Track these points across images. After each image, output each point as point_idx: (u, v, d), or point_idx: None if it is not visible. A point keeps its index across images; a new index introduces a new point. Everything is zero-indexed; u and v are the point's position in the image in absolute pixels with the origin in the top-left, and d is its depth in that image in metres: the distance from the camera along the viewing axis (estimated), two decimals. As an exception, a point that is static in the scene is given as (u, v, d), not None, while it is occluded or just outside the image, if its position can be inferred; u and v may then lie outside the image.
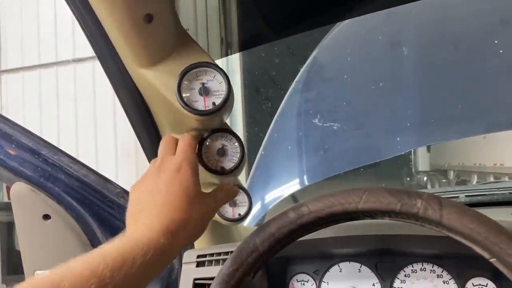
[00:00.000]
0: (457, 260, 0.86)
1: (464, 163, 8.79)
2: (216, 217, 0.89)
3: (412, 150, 11.11)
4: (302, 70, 1.77)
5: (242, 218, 0.87)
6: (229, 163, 0.68)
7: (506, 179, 7.33)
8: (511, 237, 0.55)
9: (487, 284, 0.84)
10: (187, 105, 0.58)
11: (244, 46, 1.23)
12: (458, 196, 1.41)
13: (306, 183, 1.55)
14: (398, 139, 1.37)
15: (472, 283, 0.84)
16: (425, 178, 10.65)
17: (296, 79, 1.75)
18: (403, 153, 1.27)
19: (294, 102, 1.74)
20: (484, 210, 1.23)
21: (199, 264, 0.94)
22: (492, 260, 0.57)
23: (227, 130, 0.68)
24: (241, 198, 0.87)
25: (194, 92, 0.58)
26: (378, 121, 1.46)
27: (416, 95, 1.40)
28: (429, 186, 9.90)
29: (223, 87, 0.59)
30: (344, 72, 1.69)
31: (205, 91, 0.58)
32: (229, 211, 0.87)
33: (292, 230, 0.64)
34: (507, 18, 1.40)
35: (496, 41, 1.36)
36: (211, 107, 0.59)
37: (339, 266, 0.94)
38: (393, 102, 1.45)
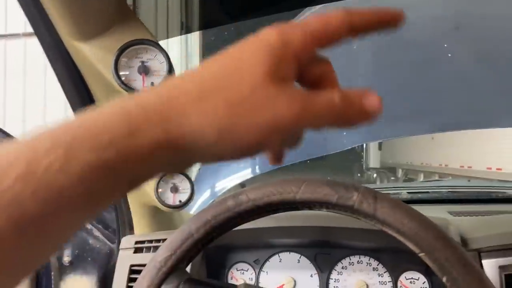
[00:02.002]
0: (392, 254, 0.88)
1: (412, 162, 9.18)
2: (156, 202, 0.87)
3: (364, 148, 11.47)
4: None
5: (183, 205, 0.86)
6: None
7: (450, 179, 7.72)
8: (439, 233, 0.57)
9: (418, 278, 0.87)
10: (124, 84, 0.55)
11: (204, 27, 1.20)
12: (400, 193, 1.45)
13: (257, 172, 1.55)
14: (345, 133, 1.39)
15: (405, 277, 0.87)
16: (375, 175, 11.03)
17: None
18: (349, 147, 1.29)
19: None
20: (423, 207, 1.28)
21: (137, 250, 0.92)
22: (421, 254, 0.58)
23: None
24: (183, 184, 0.85)
25: (132, 71, 0.56)
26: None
27: (379, 91, 1.43)
28: (378, 183, 10.26)
29: (164, 67, 0.57)
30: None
31: (144, 70, 0.55)
32: (170, 197, 0.85)
33: (230, 218, 0.63)
34: (458, 24, 1.45)
35: (445, 45, 1.40)
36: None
37: (279, 256, 0.94)
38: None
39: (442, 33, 1.44)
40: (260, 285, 0.93)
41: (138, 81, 0.56)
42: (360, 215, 0.61)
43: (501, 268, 0.73)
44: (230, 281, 0.96)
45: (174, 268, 0.60)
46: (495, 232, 0.77)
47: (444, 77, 1.38)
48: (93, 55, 0.55)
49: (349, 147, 1.30)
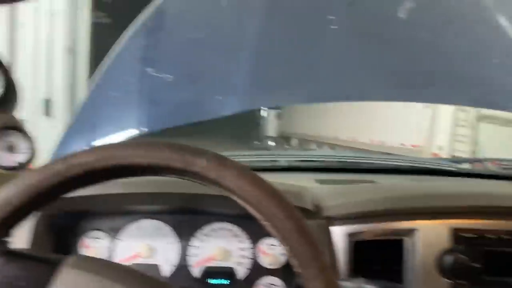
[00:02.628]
0: (252, 220, 0.87)
1: (306, 132, 9.61)
2: (-10, 163, 0.75)
3: (263, 116, 11.73)
4: (143, 15, 1.63)
5: (22, 166, 0.75)
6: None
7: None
8: (283, 203, 0.55)
9: (276, 245, 0.87)
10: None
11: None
12: (278, 160, 1.47)
13: (132, 135, 1.45)
14: (229, 99, 1.35)
15: (265, 242, 0.87)
16: (271, 143, 11.40)
17: (134, 25, 1.60)
18: (226, 114, 1.25)
19: (129, 47, 1.59)
20: (294, 175, 1.31)
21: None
22: (266, 223, 0.56)
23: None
24: (22, 143, 0.74)
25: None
26: (212, 79, 1.43)
27: (250, 59, 1.40)
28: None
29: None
30: (187, 25, 1.60)
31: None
32: (4, 157, 0.74)
33: (59, 183, 0.55)
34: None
35: (330, 17, 1.41)
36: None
37: (137, 223, 0.89)
38: (228, 62, 1.43)
39: (334, 6, 1.45)
40: (116, 253, 0.87)
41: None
42: (206, 181, 0.57)
43: (350, 235, 0.76)
44: (81, 250, 0.88)
45: (-13, 240, 0.51)
46: (347, 201, 0.80)
47: (325, 50, 1.39)
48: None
49: (227, 114, 1.27)
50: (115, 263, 0.54)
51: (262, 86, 1.32)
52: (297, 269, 0.53)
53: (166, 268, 0.87)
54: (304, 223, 0.55)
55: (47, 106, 5.22)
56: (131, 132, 1.48)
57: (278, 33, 1.47)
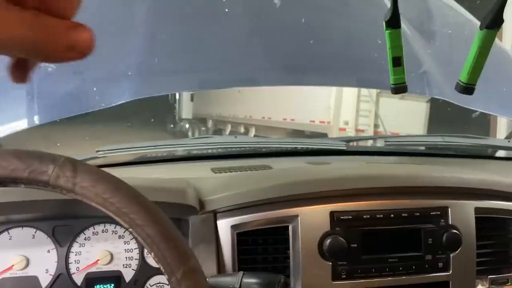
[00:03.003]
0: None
1: (221, 113, 9.59)
2: None
3: (177, 99, 11.50)
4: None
5: None
6: None
7: (253, 129, 8.38)
8: (143, 208, 0.52)
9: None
10: None
11: None
12: (176, 150, 1.43)
13: (11, 130, 1.32)
14: (118, 88, 1.28)
15: None
16: (187, 126, 11.23)
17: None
18: (113, 104, 1.18)
19: None
20: (191, 164, 1.28)
21: None
22: (130, 230, 0.53)
23: None
24: None
25: None
26: (98, 68, 1.33)
27: (139, 45, 1.33)
28: (189, 134, 10.50)
29: None
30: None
31: None
32: None
33: None
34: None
35: (220, 1, 1.37)
36: None
37: (8, 233, 0.81)
38: (116, 49, 1.34)
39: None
40: (-16, 269, 0.79)
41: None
42: (59, 190, 0.52)
43: (233, 227, 0.75)
44: None
45: None
46: (230, 193, 0.79)
47: (214, 35, 1.36)
48: None
49: (115, 103, 1.20)
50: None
51: (151, 73, 1.26)
52: (165, 275, 0.51)
53: (45, 278, 0.80)
54: (168, 227, 0.52)
55: None
56: (12, 127, 1.35)
57: (168, 19, 1.41)
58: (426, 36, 1.58)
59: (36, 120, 1.33)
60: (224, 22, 1.24)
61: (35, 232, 0.81)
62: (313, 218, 0.76)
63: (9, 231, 0.81)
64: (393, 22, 0.63)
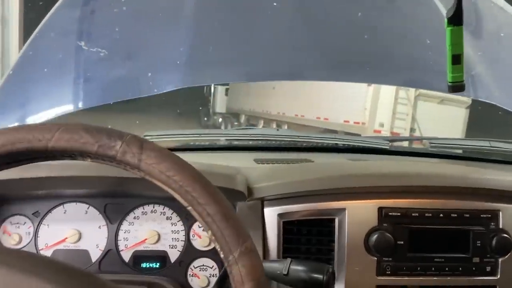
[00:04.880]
0: (185, 203, 0.86)
1: (254, 109, 9.63)
2: None
3: (212, 93, 11.61)
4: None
5: None
6: None
7: (285, 127, 8.37)
8: (205, 187, 0.53)
9: (209, 225, 0.86)
10: None
11: None
12: (218, 139, 1.45)
13: (62, 111, 1.37)
14: (166, 75, 1.30)
15: (198, 225, 0.86)
16: (220, 120, 11.34)
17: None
18: (163, 91, 1.21)
19: (61, 18, 1.49)
20: (234, 154, 1.29)
21: None
22: (189, 208, 0.54)
23: None
24: None
25: None
26: (148, 55, 1.37)
27: (188, 35, 1.35)
28: (222, 128, 10.59)
29: None
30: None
31: None
32: None
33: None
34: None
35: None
36: None
37: (63, 207, 0.84)
38: (166, 38, 1.37)
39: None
40: (39, 240, 0.83)
41: None
42: (124, 166, 0.54)
43: (280, 215, 0.76)
44: (2, 237, 0.83)
45: None
46: (279, 182, 0.80)
47: (264, 28, 1.37)
48: None
49: (163, 91, 1.22)
50: (31, 253, 0.50)
51: (200, 62, 1.28)
52: (220, 254, 0.52)
53: (95, 253, 0.83)
54: (227, 207, 0.53)
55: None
56: (64, 109, 1.41)
57: (217, 9, 1.42)
58: (475, 38, 1.54)
59: (86, 103, 1.38)
60: (273, 15, 1.24)
61: (88, 208, 0.84)
62: (360, 213, 0.76)
63: (64, 205, 0.84)
64: (456, 19, 0.62)
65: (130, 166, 0.54)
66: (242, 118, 10.49)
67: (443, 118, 6.32)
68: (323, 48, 1.24)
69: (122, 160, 0.53)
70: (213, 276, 0.84)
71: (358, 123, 6.60)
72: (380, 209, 0.76)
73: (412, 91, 6.46)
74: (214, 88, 11.48)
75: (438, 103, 6.47)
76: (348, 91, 6.67)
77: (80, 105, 1.37)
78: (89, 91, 1.36)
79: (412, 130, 6.52)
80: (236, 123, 10.56)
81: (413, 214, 0.76)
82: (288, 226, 0.77)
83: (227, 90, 11.35)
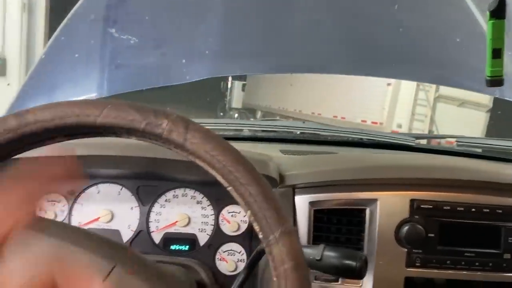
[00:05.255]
0: (216, 187, 0.87)
1: (271, 105, 9.63)
2: None
3: (229, 88, 11.63)
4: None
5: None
6: None
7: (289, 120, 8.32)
8: (248, 168, 0.54)
9: (240, 211, 0.87)
10: None
11: None
12: (242, 129, 1.46)
13: (91, 97, 1.40)
14: (193, 65, 1.32)
15: (227, 210, 0.87)
16: (236, 115, 11.36)
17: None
18: (193, 80, 1.22)
19: (92, 4, 1.51)
20: (259, 144, 1.30)
21: None
22: (229, 188, 0.55)
23: None
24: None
25: None
26: (178, 44, 1.38)
27: (219, 25, 1.36)
28: (238, 123, 10.60)
29: None
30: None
31: None
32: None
33: (11, 141, 0.52)
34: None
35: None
36: None
37: (97, 187, 0.86)
38: (196, 27, 1.38)
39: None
40: (73, 218, 0.85)
41: None
42: (169, 144, 0.56)
43: (311, 204, 0.77)
44: (38, 214, 0.85)
45: None
46: (311, 170, 0.80)
47: (293, 20, 1.37)
48: None
49: (194, 79, 1.24)
50: (75, 226, 0.52)
51: (229, 53, 1.29)
52: (260, 234, 0.53)
53: (127, 233, 0.85)
54: (269, 189, 0.54)
55: (2, 65, 4.94)
56: (92, 94, 1.43)
57: (247, 2, 1.43)
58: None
59: (116, 89, 1.40)
60: (304, 7, 1.25)
61: (121, 189, 0.86)
62: (392, 204, 0.76)
63: (98, 185, 0.86)
64: (499, 12, 0.61)
65: (175, 145, 0.55)
66: (258, 114, 10.49)
67: (463, 121, 6.24)
68: (353, 42, 1.24)
69: (168, 139, 0.54)
70: (240, 261, 0.85)
71: (375, 123, 6.54)
72: (412, 201, 0.76)
73: (432, 93, 6.38)
74: (231, 83, 11.50)
75: (458, 106, 6.39)
76: (366, 90, 6.62)
77: (110, 91, 1.40)
78: (119, 78, 1.38)
79: (430, 132, 6.45)
80: (252, 119, 10.58)
81: (444, 208, 0.76)
82: (318, 215, 0.78)
83: (244, 85, 11.36)
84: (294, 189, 0.78)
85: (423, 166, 0.84)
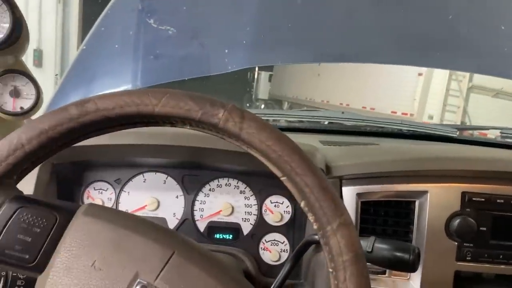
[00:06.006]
0: (260, 177, 0.87)
1: (298, 96, 9.56)
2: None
3: (255, 78, 11.61)
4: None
5: (25, 112, 0.72)
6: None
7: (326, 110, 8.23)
8: (302, 158, 0.54)
9: (283, 202, 0.87)
10: None
11: None
12: (279, 120, 1.46)
13: (130, 87, 1.42)
14: (232, 55, 1.32)
15: (270, 200, 0.87)
16: (262, 106, 11.34)
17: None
18: (233, 70, 1.22)
19: (129, -3, 1.53)
20: (297, 135, 1.29)
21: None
22: (283, 178, 0.55)
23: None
24: (27, 88, 0.71)
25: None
26: (216, 34, 1.38)
27: (256, 14, 1.35)
28: (265, 113, 10.58)
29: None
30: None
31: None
32: (9, 102, 0.71)
33: (72, 129, 0.53)
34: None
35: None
36: None
37: (143, 176, 0.88)
38: (234, 17, 1.38)
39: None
40: (120, 206, 0.87)
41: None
42: (225, 134, 0.56)
43: (358, 195, 0.76)
44: (85, 201, 0.87)
45: (-2, 183, 0.50)
46: (356, 162, 0.79)
47: (333, 8, 1.35)
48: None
49: (233, 69, 1.23)
50: (127, 212, 0.53)
51: (268, 42, 1.28)
52: (315, 225, 0.53)
53: (173, 221, 0.86)
54: (325, 179, 0.54)
55: (38, 57, 5.07)
56: (126, 86, 1.45)
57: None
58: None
59: (155, 80, 1.42)
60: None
61: (166, 178, 0.87)
62: (443, 196, 0.74)
63: (144, 174, 0.88)
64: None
65: (230, 135, 0.55)
66: (285, 105, 10.44)
67: (497, 113, 6.05)
68: (395, 30, 1.21)
69: (224, 128, 0.54)
70: (284, 251, 0.85)
71: (406, 114, 6.41)
72: (463, 193, 0.74)
73: (465, 83, 6.21)
74: (258, 73, 11.46)
75: (493, 97, 6.19)
76: (396, 81, 6.49)
77: (146, 82, 1.41)
78: (156, 69, 1.39)
79: (462, 124, 6.28)
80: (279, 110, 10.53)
81: (498, 201, 0.74)
82: (364, 206, 0.77)
83: (270, 76, 11.31)
84: (341, 180, 0.77)
85: (472, 158, 0.82)
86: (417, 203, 0.75)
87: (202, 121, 0.55)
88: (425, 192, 0.74)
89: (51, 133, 0.52)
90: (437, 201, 0.74)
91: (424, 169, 0.76)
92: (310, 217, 0.53)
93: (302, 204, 0.54)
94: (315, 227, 0.53)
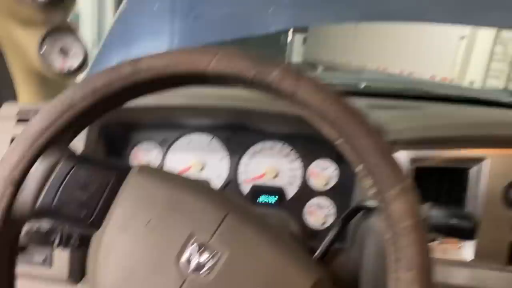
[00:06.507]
0: (305, 141, 0.85)
1: (333, 60, 9.33)
2: (41, 67, 0.72)
3: (289, 41, 11.37)
4: None
5: (74, 72, 0.72)
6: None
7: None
8: (363, 120, 0.51)
9: (328, 166, 0.85)
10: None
11: None
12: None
13: (171, 47, 1.41)
14: (275, 15, 1.27)
15: (316, 164, 0.85)
16: (296, 69, 11.14)
17: None
18: (273, 31, 1.18)
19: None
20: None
21: (20, 121, 0.79)
22: (339, 141, 0.53)
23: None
24: (74, 47, 0.71)
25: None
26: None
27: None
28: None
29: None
30: None
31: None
32: (58, 60, 0.71)
33: (124, 88, 0.52)
34: None
35: None
36: None
37: (189, 137, 0.87)
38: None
39: None
40: (166, 166, 0.87)
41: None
42: (279, 94, 0.54)
43: (413, 160, 0.73)
44: (132, 161, 0.88)
45: (52, 141, 0.50)
46: (412, 125, 0.76)
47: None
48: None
49: (274, 30, 1.20)
50: (179, 174, 0.52)
51: (311, 2, 1.22)
52: (373, 189, 0.51)
53: (216, 183, 0.86)
54: (385, 143, 0.51)
55: (75, 21, 5.13)
56: (172, 46, 1.43)
57: None
58: None
59: (196, 41, 1.40)
60: None
61: (211, 139, 0.87)
62: (501, 163, 0.70)
63: (189, 135, 0.87)
64: None
65: (285, 95, 0.53)
66: (319, 70, 10.24)
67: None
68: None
69: (278, 88, 0.52)
70: (329, 216, 0.84)
71: (445, 79, 6.16)
72: (524, 161, 0.70)
73: (511, 47, 5.87)
74: (292, 35, 11.22)
75: (541, 61, 5.85)
76: (437, 44, 6.21)
77: (189, 42, 1.40)
78: (198, 29, 1.37)
79: (506, 89, 5.99)
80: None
81: (563, 170, 0.69)
82: (416, 173, 0.74)
83: (305, 38, 11.06)
84: (395, 145, 0.74)
85: None
86: (473, 170, 0.72)
87: (255, 80, 0.53)
88: (482, 159, 0.71)
89: (103, 91, 0.51)
90: (495, 168, 0.70)
91: (483, 134, 0.72)
92: (368, 181, 0.51)
93: (361, 167, 0.51)
94: (373, 191, 0.51)
